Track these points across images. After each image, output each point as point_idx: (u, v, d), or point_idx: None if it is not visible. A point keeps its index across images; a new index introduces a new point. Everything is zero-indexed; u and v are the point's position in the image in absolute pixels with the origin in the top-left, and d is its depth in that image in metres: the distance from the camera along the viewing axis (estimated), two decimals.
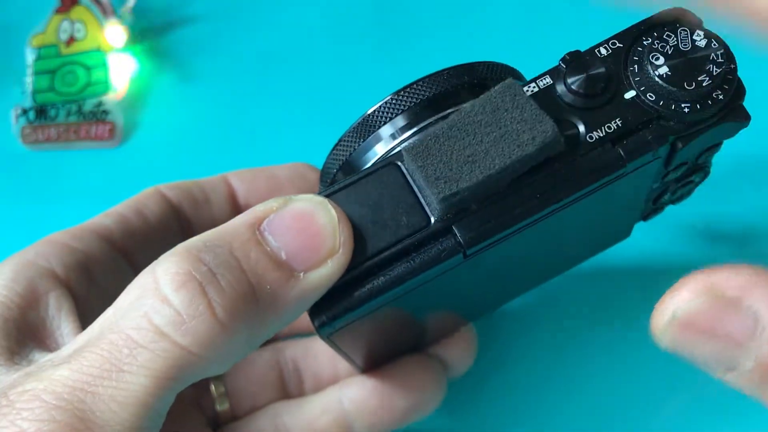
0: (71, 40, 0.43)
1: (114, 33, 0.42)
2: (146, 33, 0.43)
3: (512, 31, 0.42)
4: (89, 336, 0.23)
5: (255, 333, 0.23)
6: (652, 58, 0.24)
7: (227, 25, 0.43)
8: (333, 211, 0.23)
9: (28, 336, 0.26)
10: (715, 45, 0.24)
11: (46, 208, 0.41)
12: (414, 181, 0.23)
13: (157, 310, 0.22)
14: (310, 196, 0.23)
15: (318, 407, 0.32)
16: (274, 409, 0.33)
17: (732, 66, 0.24)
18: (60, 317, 0.27)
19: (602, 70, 0.24)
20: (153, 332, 0.21)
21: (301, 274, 0.22)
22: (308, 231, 0.23)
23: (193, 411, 0.32)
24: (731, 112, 0.24)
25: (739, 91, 0.24)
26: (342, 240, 0.23)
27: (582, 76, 0.24)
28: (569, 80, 0.24)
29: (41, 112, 0.42)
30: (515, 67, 0.29)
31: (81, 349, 0.22)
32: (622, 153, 0.23)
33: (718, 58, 0.24)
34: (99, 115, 0.42)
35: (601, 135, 0.23)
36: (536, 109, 0.23)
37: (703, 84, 0.23)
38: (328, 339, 0.24)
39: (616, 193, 0.25)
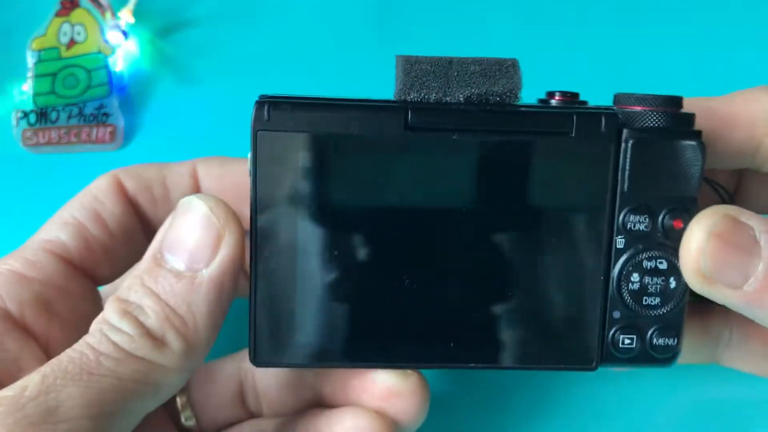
0: (72, 42, 0.43)
1: (114, 35, 0.42)
2: (146, 35, 0.43)
3: (516, 35, 0.42)
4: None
5: (199, 332, 0.25)
6: None
7: (228, 27, 0.43)
8: (204, 205, 0.25)
9: None
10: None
11: (47, 212, 0.40)
12: None
13: (104, 338, 0.24)
14: (185, 199, 0.26)
15: None
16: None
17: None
18: (23, 358, 0.26)
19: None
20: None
21: (204, 271, 0.25)
22: (191, 234, 0.25)
23: (165, 425, 0.31)
24: (682, 134, 0.28)
25: (687, 117, 0.28)
26: (222, 222, 0.25)
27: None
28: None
29: (42, 115, 0.42)
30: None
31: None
32: (572, 107, 0.28)
33: None
34: (100, 117, 0.42)
35: (565, 101, 0.29)
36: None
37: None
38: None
39: (566, 171, 0.28)
